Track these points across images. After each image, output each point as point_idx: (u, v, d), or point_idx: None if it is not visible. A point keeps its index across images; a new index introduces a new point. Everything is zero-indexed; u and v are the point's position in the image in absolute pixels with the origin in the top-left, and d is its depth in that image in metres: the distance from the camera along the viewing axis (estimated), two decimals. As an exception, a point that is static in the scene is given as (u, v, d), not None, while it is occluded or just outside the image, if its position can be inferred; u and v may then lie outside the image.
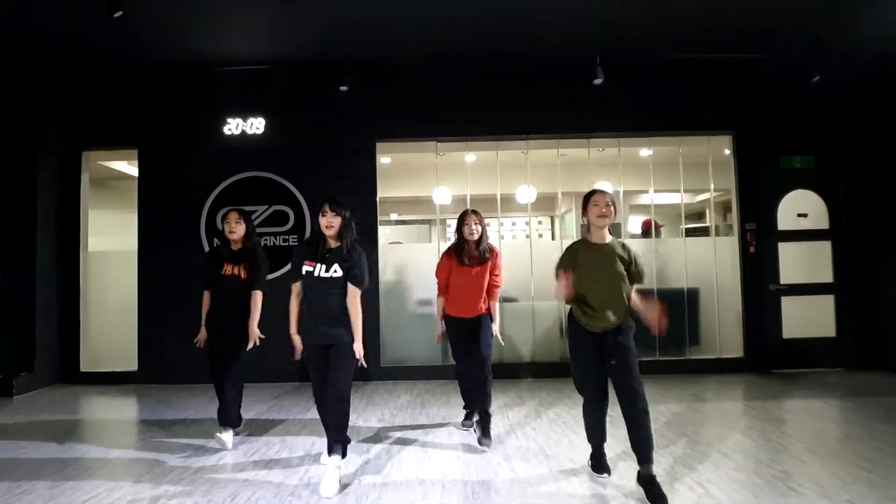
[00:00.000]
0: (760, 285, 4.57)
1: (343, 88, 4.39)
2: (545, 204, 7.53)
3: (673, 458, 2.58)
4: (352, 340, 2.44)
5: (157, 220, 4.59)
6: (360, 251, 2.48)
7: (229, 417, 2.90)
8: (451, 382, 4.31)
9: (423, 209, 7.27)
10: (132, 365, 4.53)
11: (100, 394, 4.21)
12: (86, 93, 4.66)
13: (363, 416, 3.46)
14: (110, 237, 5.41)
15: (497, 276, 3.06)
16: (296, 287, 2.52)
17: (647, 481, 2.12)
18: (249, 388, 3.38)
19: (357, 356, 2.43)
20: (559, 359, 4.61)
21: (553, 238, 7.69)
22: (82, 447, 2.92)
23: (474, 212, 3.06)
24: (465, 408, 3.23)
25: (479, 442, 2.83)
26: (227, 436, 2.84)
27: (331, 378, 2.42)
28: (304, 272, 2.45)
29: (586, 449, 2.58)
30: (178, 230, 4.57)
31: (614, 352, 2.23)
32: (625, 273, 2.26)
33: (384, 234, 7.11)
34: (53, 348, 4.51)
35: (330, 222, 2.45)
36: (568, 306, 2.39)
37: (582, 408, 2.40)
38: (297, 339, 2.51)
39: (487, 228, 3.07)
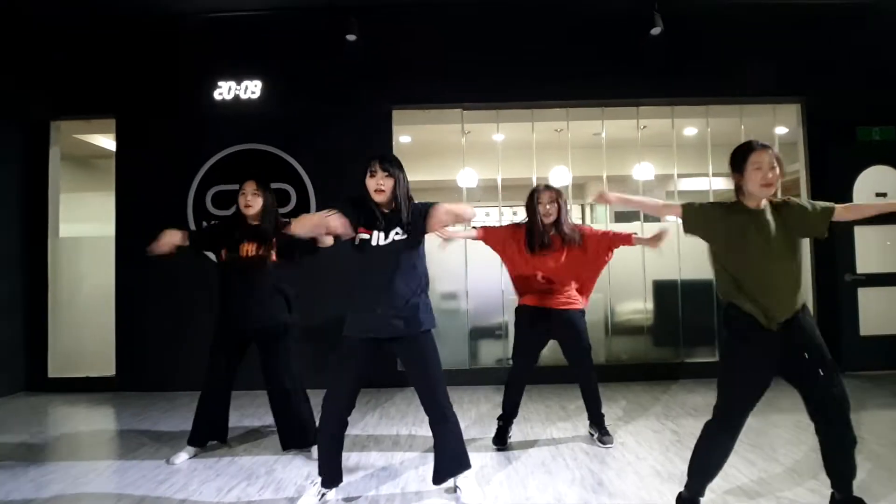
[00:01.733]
0: (834, 275, 3.97)
1: (350, 38, 3.73)
2: (574, 191, 6.93)
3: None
4: (430, 330, 1.95)
5: (137, 201, 3.96)
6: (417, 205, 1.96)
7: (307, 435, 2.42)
8: (480, 389, 3.73)
9: (446, 195, 6.60)
10: (109, 369, 3.92)
11: (70, 403, 3.60)
12: (53, 52, 4.00)
13: (374, 436, 2.85)
14: (94, 224, 4.77)
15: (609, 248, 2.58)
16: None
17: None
18: (236, 396, 2.77)
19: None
20: (604, 360, 4.01)
21: (582, 220, 7.07)
22: (42, 470, 2.33)
23: (548, 187, 2.53)
24: (499, 419, 2.62)
25: (602, 441, 2.56)
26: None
27: (423, 388, 1.92)
28: (357, 241, 1.88)
29: (656, 483, 2.06)
30: (161, 212, 3.92)
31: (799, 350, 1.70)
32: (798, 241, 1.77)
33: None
34: (17, 350, 3.89)
35: (380, 184, 1.90)
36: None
37: (699, 438, 1.78)
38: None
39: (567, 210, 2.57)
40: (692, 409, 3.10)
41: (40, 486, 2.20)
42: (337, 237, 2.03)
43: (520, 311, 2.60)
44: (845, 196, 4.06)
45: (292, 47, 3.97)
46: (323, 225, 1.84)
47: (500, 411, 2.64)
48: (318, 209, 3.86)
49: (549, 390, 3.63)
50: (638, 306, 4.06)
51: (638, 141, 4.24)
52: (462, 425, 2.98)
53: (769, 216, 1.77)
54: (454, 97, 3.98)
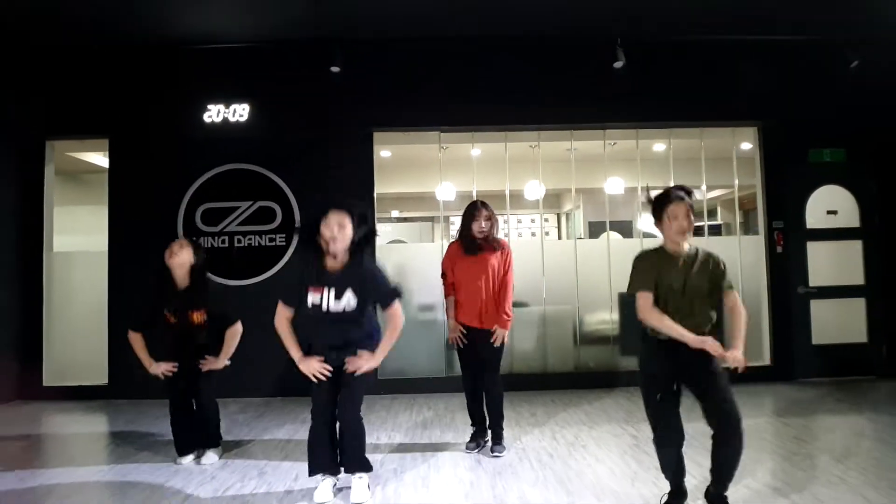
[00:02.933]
0: (788, 288, 4.25)
1: (335, 69, 3.95)
2: (550, 201, 7.19)
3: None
4: (373, 347, 2.15)
5: (129, 218, 4.14)
6: (367, 260, 2.16)
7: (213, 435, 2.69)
8: (456, 396, 3.93)
9: (425, 206, 6.88)
10: (102, 378, 4.09)
11: (62, 411, 3.78)
12: (50, 75, 4.19)
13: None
14: (84, 236, 4.94)
15: (507, 272, 2.77)
16: (285, 311, 2.14)
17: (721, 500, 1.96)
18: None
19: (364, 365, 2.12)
20: (573, 368, 4.25)
21: (560, 237, 7.34)
22: (36, 474, 2.51)
23: (484, 204, 2.76)
24: (471, 425, 2.87)
25: (493, 450, 2.70)
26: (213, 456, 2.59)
27: (349, 398, 2.13)
28: (309, 304, 2.06)
29: (611, 483, 2.27)
30: (152, 228, 4.11)
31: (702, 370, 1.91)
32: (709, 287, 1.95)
33: (384, 231, 6.71)
34: (12, 360, 4.05)
35: (335, 235, 2.01)
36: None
37: (655, 448, 2.04)
38: (308, 360, 2.13)
39: (499, 224, 2.82)
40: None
41: (44, 490, 2.39)
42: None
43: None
44: (799, 213, 4.35)
45: (278, 73, 4.18)
46: None
47: (461, 435, 2.89)
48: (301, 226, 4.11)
49: (521, 397, 3.86)
50: (604, 317, 4.30)
51: (604, 157, 4.49)
52: (437, 431, 3.22)
53: (689, 261, 1.99)
54: (432, 120, 4.21)
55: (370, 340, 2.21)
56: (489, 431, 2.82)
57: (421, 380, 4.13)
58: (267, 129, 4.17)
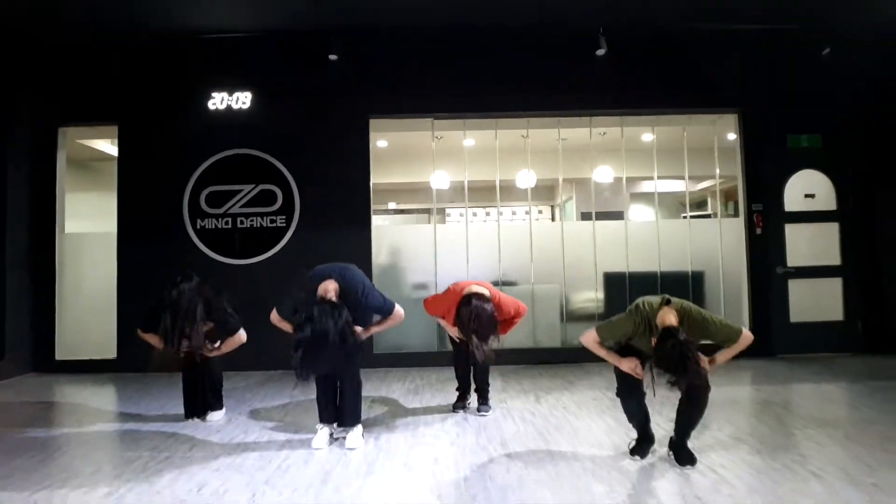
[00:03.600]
0: (767, 268, 4.42)
1: (332, 58, 4.16)
2: (545, 193, 7.37)
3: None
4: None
5: (137, 200, 4.35)
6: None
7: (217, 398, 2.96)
8: (448, 369, 4.13)
9: (421, 198, 7.08)
10: (111, 353, 4.31)
11: (75, 382, 3.99)
12: (62, 64, 4.40)
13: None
14: (91, 221, 5.17)
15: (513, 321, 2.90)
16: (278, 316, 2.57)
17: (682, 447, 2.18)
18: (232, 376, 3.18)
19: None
20: (560, 344, 4.45)
21: (553, 220, 7.51)
22: (46, 432, 2.72)
23: (473, 298, 2.68)
24: (458, 389, 3.08)
25: (479, 409, 2.92)
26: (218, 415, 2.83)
27: (349, 360, 2.44)
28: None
29: (587, 434, 2.47)
30: (159, 210, 4.34)
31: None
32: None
33: (381, 223, 6.88)
34: (27, 335, 4.27)
35: (326, 288, 2.44)
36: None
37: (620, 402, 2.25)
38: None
39: (493, 302, 2.72)
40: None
41: (43, 437, 2.59)
42: None
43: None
44: (778, 196, 4.52)
45: (279, 62, 4.38)
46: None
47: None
48: (302, 207, 4.32)
49: (510, 370, 4.05)
50: (590, 296, 4.49)
51: (591, 146, 4.67)
52: (427, 395, 3.42)
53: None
54: (425, 107, 4.40)
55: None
56: (474, 395, 3.03)
57: (414, 354, 4.33)
58: (268, 116, 4.38)
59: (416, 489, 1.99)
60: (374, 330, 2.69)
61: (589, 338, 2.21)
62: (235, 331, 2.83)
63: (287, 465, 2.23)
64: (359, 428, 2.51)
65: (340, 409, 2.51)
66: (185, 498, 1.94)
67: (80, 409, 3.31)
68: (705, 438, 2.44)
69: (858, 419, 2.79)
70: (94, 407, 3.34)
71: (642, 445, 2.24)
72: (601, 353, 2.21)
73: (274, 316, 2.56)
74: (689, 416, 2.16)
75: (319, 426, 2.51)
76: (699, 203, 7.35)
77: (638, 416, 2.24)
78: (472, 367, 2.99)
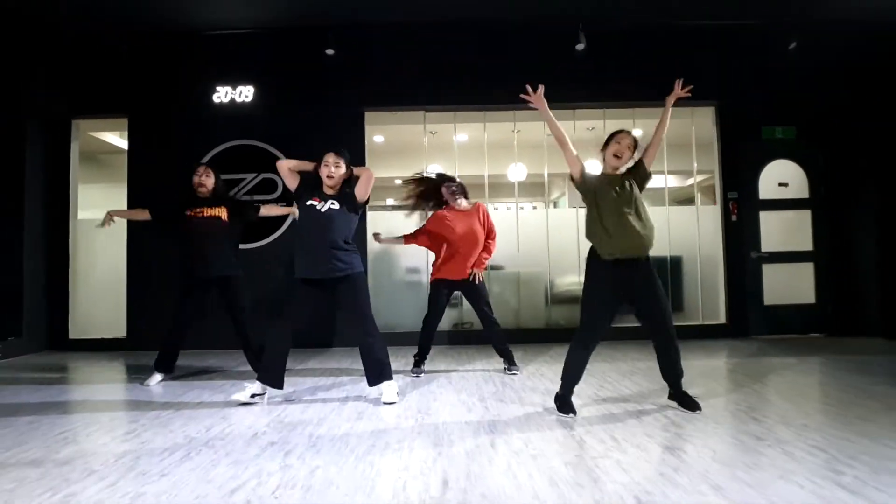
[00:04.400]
0: (742, 253, 4.65)
1: (329, 52, 4.43)
2: (537, 189, 7.60)
3: (646, 401, 2.65)
4: (360, 272, 2.69)
5: (146, 188, 4.62)
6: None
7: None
8: (438, 347, 4.39)
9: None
10: (121, 332, 4.57)
11: (87, 358, 4.25)
12: (75, 59, 4.69)
13: (344, 368, 3.52)
14: (98, 211, 5.40)
15: (491, 240, 3.38)
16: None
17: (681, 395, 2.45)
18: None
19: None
20: (544, 325, 4.69)
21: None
22: (63, 394, 2.99)
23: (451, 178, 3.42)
24: (416, 356, 3.38)
25: (510, 370, 3.31)
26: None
27: (356, 318, 2.65)
28: (308, 203, 2.66)
29: (555, 391, 2.69)
30: (167, 197, 4.59)
31: (640, 287, 2.35)
32: (638, 192, 2.40)
33: (377, 219, 7.12)
34: (42, 316, 4.55)
35: (331, 173, 2.68)
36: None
37: (568, 352, 2.45)
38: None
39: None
40: (608, 358, 3.76)
41: (61, 397, 2.86)
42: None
43: (436, 283, 3.38)
44: (753, 185, 4.76)
45: (280, 58, 4.65)
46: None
47: (451, 360, 3.41)
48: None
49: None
50: (574, 279, 4.73)
51: (579, 141, 4.91)
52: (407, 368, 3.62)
53: (622, 178, 2.45)
54: (417, 100, 4.67)
55: (350, 256, 2.68)
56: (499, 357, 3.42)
57: (406, 333, 4.57)
58: (269, 109, 4.65)
59: (394, 437, 2.24)
60: (364, 179, 2.72)
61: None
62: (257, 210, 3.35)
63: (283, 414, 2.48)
64: (394, 384, 2.69)
65: (372, 368, 2.65)
66: (196, 436, 2.19)
67: (92, 377, 3.57)
68: (662, 397, 2.68)
69: (812, 382, 3.03)
70: (100, 380, 3.61)
71: (569, 402, 2.41)
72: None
73: (283, 164, 2.73)
74: (668, 361, 2.40)
75: (248, 385, 2.68)
76: (688, 200, 7.55)
77: (575, 370, 2.40)
78: (493, 333, 3.34)
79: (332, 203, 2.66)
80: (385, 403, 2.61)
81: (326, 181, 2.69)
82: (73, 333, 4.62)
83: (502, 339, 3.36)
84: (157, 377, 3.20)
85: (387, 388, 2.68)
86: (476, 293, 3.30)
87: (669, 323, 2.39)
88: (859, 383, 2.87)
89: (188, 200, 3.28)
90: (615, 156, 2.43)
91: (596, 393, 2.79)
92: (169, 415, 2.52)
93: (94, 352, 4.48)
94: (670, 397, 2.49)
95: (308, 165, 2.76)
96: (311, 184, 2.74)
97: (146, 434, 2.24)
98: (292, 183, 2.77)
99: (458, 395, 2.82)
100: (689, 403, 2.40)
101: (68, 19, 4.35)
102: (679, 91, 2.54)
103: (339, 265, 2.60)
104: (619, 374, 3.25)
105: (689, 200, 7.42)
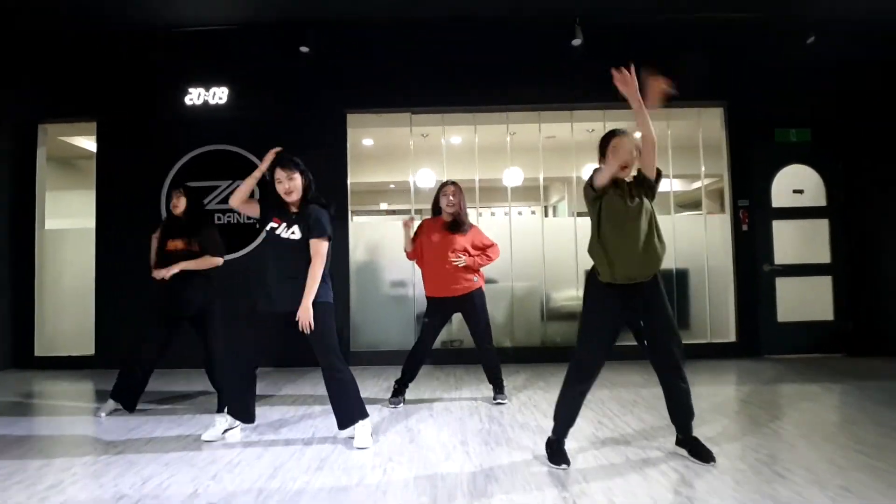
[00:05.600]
0: (754, 266, 4.31)
1: (304, 49, 4.12)
2: (533, 193, 7.28)
3: (651, 445, 2.33)
4: (319, 302, 2.34)
5: (115, 197, 4.34)
6: (319, 209, 2.41)
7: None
8: (425, 367, 4.07)
9: (407, 198, 7.01)
10: (89, 349, 4.29)
11: (51, 378, 3.97)
12: (41, 62, 4.41)
13: (319, 397, 3.22)
14: (74, 220, 5.15)
15: (491, 248, 3.10)
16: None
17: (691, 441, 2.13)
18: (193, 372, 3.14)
19: (303, 320, 2.29)
20: (539, 343, 4.37)
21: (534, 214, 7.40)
22: (6, 427, 2.69)
23: (453, 182, 3.05)
24: (397, 382, 3.07)
25: (496, 399, 3.01)
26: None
27: (318, 351, 2.34)
28: (268, 227, 2.38)
29: (548, 431, 2.38)
30: (137, 207, 4.32)
31: (647, 310, 2.05)
32: (650, 210, 2.09)
33: (366, 223, 6.84)
34: (6, 331, 4.27)
35: (288, 189, 2.38)
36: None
37: (562, 388, 2.14)
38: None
39: (466, 205, 3.07)
40: (607, 383, 3.44)
41: (29, 442, 2.57)
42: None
43: (428, 300, 3.08)
44: (765, 192, 4.42)
45: (255, 57, 4.35)
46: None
47: (437, 384, 3.12)
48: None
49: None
50: (571, 294, 4.41)
51: (573, 144, 4.59)
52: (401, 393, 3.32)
53: (628, 188, 2.13)
54: (402, 102, 4.35)
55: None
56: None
57: (391, 352, 4.27)
58: (245, 112, 4.35)
59: (363, 484, 1.93)
60: (309, 293, 2.30)
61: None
62: (214, 255, 2.92)
63: (238, 461, 2.18)
64: (367, 423, 2.38)
65: (337, 407, 2.36)
66: (127, 492, 1.90)
67: (52, 404, 3.29)
68: (671, 439, 2.36)
69: (838, 420, 2.69)
70: (66, 402, 3.32)
71: (562, 450, 2.10)
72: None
73: (233, 202, 2.45)
74: (678, 399, 2.08)
75: (219, 418, 2.44)
76: (694, 204, 7.21)
77: (570, 411, 2.10)
78: (484, 358, 3.03)
79: (293, 230, 2.36)
80: (357, 448, 2.30)
81: (286, 198, 2.40)
82: (39, 350, 4.35)
83: (494, 365, 3.05)
84: (111, 405, 2.92)
85: (360, 430, 2.37)
86: (472, 313, 2.99)
87: (678, 355, 2.08)
88: (895, 420, 2.54)
89: (167, 225, 3.03)
90: (623, 167, 2.10)
91: (594, 433, 2.47)
92: (107, 460, 2.22)
93: (60, 370, 4.20)
94: (679, 443, 2.18)
95: (252, 179, 2.47)
96: (274, 203, 2.44)
97: (72, 489, 1.94)
98: (252, 211, 2.49)
99: (439, 432, 2.51)
100: (701, 453, 2.08)
101: (31, 19, 4.07)
102: (657, 89, 2.12)
103: (298, 298, 2.31)
104: (620, 406, 2.93)
105: (695, 205, 7.14)
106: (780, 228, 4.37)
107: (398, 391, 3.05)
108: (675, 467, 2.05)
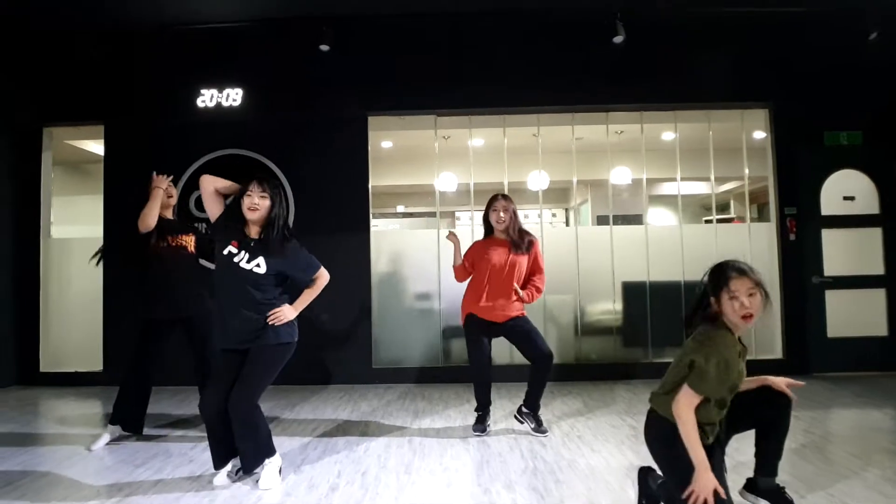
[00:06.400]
0: (802, 278, 4.04)
1: (324, 48, 3.87)
2: (558, 196, 7.01)
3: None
4: (277, 344, 2.12)
5: (124, 204, 4.10)
6: (294, 243, 2.18)
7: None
8: (452, 386, 3.84)
9: (428, 201, 6.79)
10: (97, 365, 4.08)
11: (56, 397, 3.76)
12: (46, 62, 4.19)
13: (341, 424, 2.99)
14: (85, 227, 4.94)
15: (538, 275, 2.80)
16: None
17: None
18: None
19: (278, 316, 2.12)
20: (574, 360, 4.11)
21: (567, 224, 7.16)
22: (31, 453, 2.47)
23: (504, 196, 2.76)
24: (476, 410, 2.80)
25: (537, 431, 2.72)
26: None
27: (242, 378, 2.08)
28: (225, 251, 2.11)
29: (605, 474, 2.18)
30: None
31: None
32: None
33: (384, 227, 6.60)
34: (9, 346, 4.07)
35: (255, 204, 2.11)
36: None
37: None
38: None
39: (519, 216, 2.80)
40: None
41: (28, 468, 2.35)
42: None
43: (469, 319, 2.80)
44: (814, 199, 4.14)
45: (271, 56, 4.11)
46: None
47: (468, 407, 2.86)
48: (297, 211, 4.06)
49: (519, 388, 3.72)
50: (607, 307, 4.15)
51: (608, 146, 4.32)
52: (428, 420, 3.10)
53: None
54: (427, 104, 4.10)
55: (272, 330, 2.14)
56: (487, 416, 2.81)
57: (416, 369, 4.04)
58: (261, 115, 4.11)
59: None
60: (305, 301, 2.22)
61: (684, 403, 1.52)
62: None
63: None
64: (275, 461, 2.15)
65: (238, 449, 2.11)
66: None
67: (52, 434, 3.07)
68: (740, 480, 2.10)
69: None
70: (68, 429, 3.10)
71: None
72: (692, 436, 1.49)
73: (208, 181, 2.19)
74: (777, 438, 1.76)
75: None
76: (721, 207, 6.92)
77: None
78: (535, 369, 2.73)
79: (258, 262, 2.11)
80: (262, 489, 2.07)
81: (248, 214, 2.12)
82: (45, 366, 4.14)
83: (545, 380, 2.78)
84: (106, 437, 2.63)
85: (265, 473, 2.12)
86: (523, 331, 2.75)
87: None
88: None
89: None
90: (745, 317, 1.55)
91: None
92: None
93: (66, 387, 3.99)
94: (753, 490, 1.89)
95: (237, 189, 2.21)
96: (233, 218, 2.16)
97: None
98: (215, 209, 2.19)
99: (479, 475, 2.25)
100: (782, 500, 1.80)
101: (36, 19, 3.85)
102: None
103: (253, 336, 2.11)
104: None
105: (723, 208, 6.85)
106: (829, 238, 4.09)
107: (481, 419, 2.79)
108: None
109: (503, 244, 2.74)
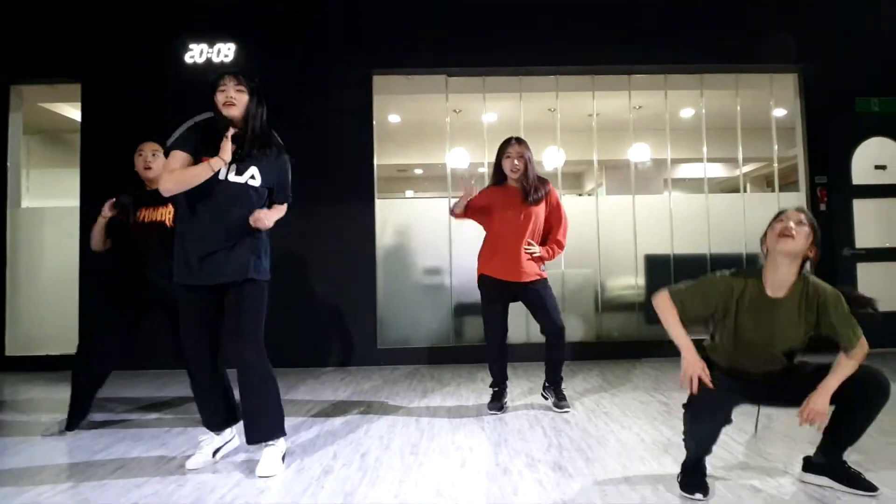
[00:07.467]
0: (832, 250, 3.83)
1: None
2: (572, 181, 6.76)
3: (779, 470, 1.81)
4: (264, 280, 1.82)
5: (103, 171, 3.73)
6: (281, 146, 1.90)
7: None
8: (464, 366, 3.54)
9: (439, 184, 6.46)
10: (71, 347, 3.68)
11: (21, 383, 3.37)
12: (10, 9, 3.79)
13: (339, 403, 2.67)
14: (64, 200, 4.55)
15: (559, 227, 2.50)
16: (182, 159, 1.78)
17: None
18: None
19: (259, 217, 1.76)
20: (595, 338, 3.84)
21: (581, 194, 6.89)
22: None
23: (518, 140, 2.45)
24: (492, 385, 2.52)
25: (557, 406, 2.47)
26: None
27: (235, 329, 1.74)
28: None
29: (639, 450, 1.93)
30: (128, 182, 3.72)
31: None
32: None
33: (395, 202, 6.23)
34: (-28, 327, 3.67)
35: (231, 97, 1.80)
36: None
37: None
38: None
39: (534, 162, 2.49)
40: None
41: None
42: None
43: (482, 280, 2.53)
44: (845, 168, 3.94)
45: (267, 7, 3.78)
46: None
47: (482, 386, 2.57)
48: (294, 178, 3.72)
49: (537, 366, 3.43)
50: (629, 282, 3.89)
51: (630, 122, 4.06)
52: (437, 398, 2.82)
53: (792, 300, 1.61)
54: (437, 61, 3.80)
55: (256, 255, 1.82)
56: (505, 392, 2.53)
57: (425, 349, 3.73)
58: (255, 71, 3.70)
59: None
60: (277, 214, 1.89)
61: (662, 299, 1.65)
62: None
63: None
64: (279, 444, 1.82)
65: (246, 413, 1.77)
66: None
67: (8, 419, 2.70)
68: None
69: None
70: (27, 416, 2.73)
71: (696, 479, 1.60)
72: (671, 320, 1.62)
73: (170, 165, 1.78)
74: (862, 416, 1.57)
75: (203, 437, 1.91)
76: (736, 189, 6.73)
77: (705, 444, 1.59)
78: (546, 345, 2.48)
79: (252, 173, 1.79)
80: (260, 477, 1.72)
81: (224, 110, 1.79)
82: (12, 349, 3.74)
83: (563, 357, 2.53)
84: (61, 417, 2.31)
85: (267, 455, 1.78)
86: (540, 298, 2.46)
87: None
88: None
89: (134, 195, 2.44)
90: (782, 235, 1.57)
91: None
92: (51, 495, 1.63)
93: (36, 372, 3.59)
94: (813, 469, 1.64)
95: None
96: (204, 130, 1.84)
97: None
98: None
99: (497, 454, 1.94)
100: (855, 480, 1.57)
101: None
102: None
103: (240, 267, 1.77)
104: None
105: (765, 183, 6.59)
106: (861, 208, 3.90)
107: (498, 395, 2.50)
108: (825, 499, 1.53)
109: (517, 193, 2.45)
